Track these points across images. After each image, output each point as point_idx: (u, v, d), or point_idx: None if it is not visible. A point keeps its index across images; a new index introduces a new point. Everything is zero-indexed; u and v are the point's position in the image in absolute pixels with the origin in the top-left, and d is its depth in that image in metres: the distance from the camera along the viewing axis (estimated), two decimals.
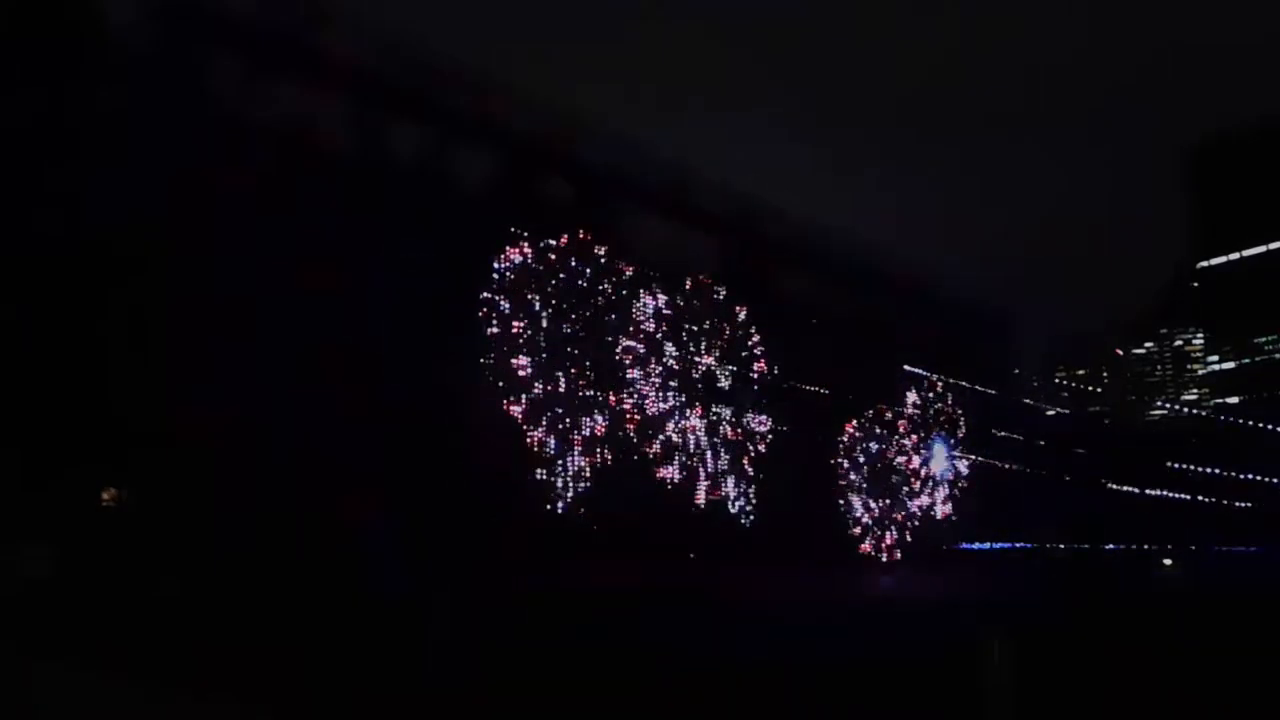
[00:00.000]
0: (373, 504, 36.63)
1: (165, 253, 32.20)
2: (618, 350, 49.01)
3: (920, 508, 69.70)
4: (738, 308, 56.18)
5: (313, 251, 36.88)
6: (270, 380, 35.05)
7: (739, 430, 55.06)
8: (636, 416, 49.13)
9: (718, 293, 55.44)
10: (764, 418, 56.56)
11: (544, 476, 44.12)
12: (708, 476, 52.90)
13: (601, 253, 48.43)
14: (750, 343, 56.70)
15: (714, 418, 53.86)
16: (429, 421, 39.43)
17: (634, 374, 49.71)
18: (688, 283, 53.88)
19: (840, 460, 62.75)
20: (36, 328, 30.50)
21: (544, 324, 45.01)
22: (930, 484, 71.25)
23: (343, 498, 35.98)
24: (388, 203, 39.27)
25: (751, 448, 55.69)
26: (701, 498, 52.28)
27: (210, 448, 31.78)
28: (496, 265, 43.44)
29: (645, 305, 50.98)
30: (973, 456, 75.39)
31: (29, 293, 30.48)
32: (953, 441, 74.23)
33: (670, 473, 50.85)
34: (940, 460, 72.13)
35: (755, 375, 56.68)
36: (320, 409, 36.15)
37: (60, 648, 19.34)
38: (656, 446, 50.18)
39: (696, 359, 53.32)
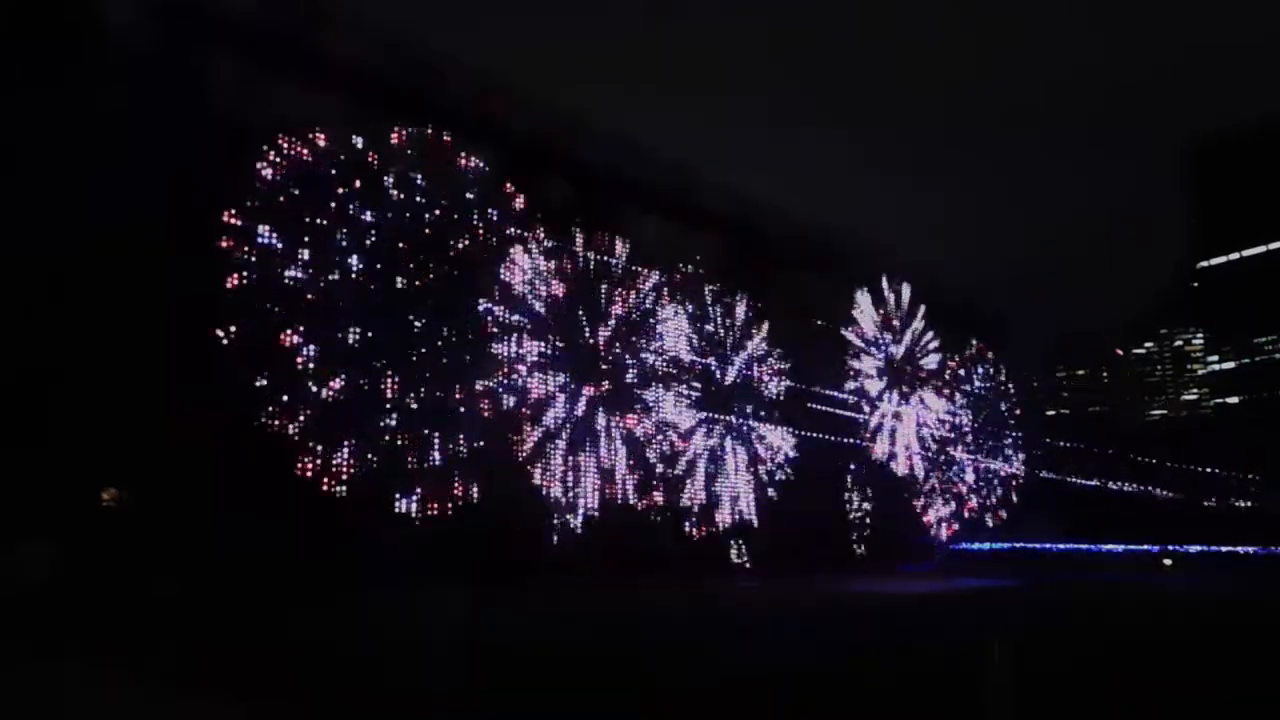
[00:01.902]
0: (373, 505, 36.66)
1: (165, 253, 32.19)
2: (626, 351, 48.85)
3: (922, 509, 69.76)
4: (740, 307, 56.34)
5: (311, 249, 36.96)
6: (271, 380, 35.09)
7: (744, 432, 55.09)
8: (642, 420, 49.10)
9: (724, 292, 55.61)
10: (772, 423, 56.69)
11: (544, 478, 44.04)
12: (712, 480, 52.88)
13: (604, 250, 48.42)
14: (750, 344, 56.74)
15: (721, 420, 53.86)
16: (430, 421, 39.44)
17: (636, 372, 49.62)
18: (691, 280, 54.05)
19: (842, 463, 62.76)
20: (36, 328, 30.48)
21: (542, 322, 44.84)
22: (931, 486, 71.27)
23: (343, 498, 36.01)
24: (386, 200, 39.29)
25: (755, 451, 55.72)
26: (703, 500, 52.26)
27: (210, 448, 31.78)
28: (499, 266, 43.27)
29: (652, 306, 50.94)
30: (974, 457, 75.45)
31: (29, 293, 30.46)
32: (954, 442, 74.26)
33: (672, 475, 50.80)
34: (942, 463, 72.17)
35: (758, 377, 56.71)
36: (321, 409, 36.19)
37: (60, 648, 19.35)
38: (660, 450, 50.13)
39: (703, 360, 53.32)
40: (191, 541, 30.44)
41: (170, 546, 30.20)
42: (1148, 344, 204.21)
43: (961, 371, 76.04)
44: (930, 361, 72.20)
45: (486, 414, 41.51)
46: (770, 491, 55.80)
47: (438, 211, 40.95)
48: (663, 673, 17.32)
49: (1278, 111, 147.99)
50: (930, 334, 72.04)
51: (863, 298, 66.42)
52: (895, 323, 69.39)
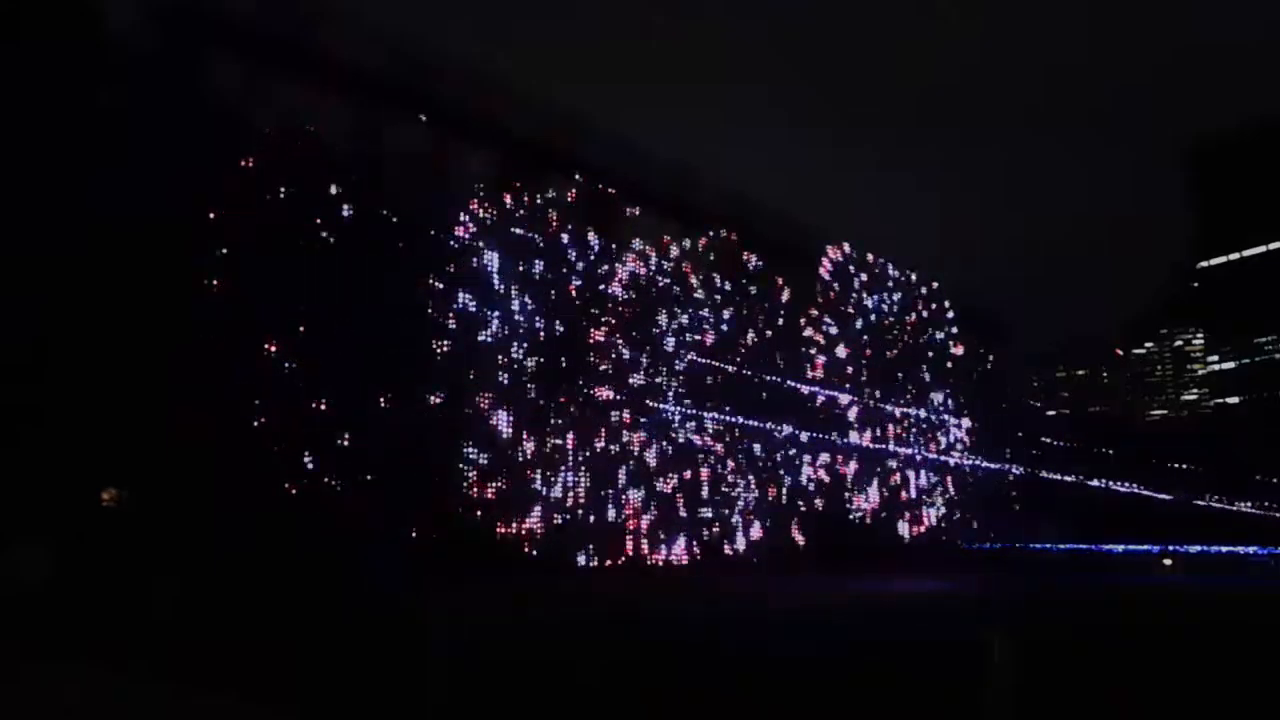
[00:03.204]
0: (372, 505, 36.67)
1: (165, 253, 32.21)
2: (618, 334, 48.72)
3: (922, 508, 69.73)
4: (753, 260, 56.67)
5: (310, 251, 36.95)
6: (271, 380, 35.11)
7: (743, 428, 55.11)
8: (634, 415, 49.05)
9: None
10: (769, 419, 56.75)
11: (541, 478, 43.98)
12: (712, 478, 52.88)
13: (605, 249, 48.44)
14: (749, 340, 56.79)
15: (722, 416, 53.90)
16: (426, 422, 39.41)
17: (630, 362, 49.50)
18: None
19: (845, 463, 62.77)
20: (36, 328, 30.49)
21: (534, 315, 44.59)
22: (932, 484, 71.25)
23: (343, 498, 36.03)
24: (385, 198, 39.31)
25: (755, 449, 55.74)
26: (704, 500, 52.25)
27: (210, 448, 31.78)
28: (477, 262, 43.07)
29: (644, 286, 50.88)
30: (974, 457, 75.44)
31: (28, 293, 30.48)
32: (955, 442, 74.22)
33: (675, 477, 50.77)
34: (942, 461, 72.14)
35: (759, 375, 56.77)
36: (321, 409, 36.20)
37: (60, 648, 19.34)
38: (659, 447, 50.10)
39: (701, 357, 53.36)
40: (191, 541, 30.46)
41: (170, 546, 30.22)
42: (1148, 344, 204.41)
43: (960, 371, 76.07)
44: (946, 353, 72.27)
45: (493, 425, 41.35)
46: (794, 526, 56.00)
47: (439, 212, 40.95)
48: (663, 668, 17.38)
49: (1278, 111, 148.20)
50: (947, 314, 71.99)
51: (831, 249, 64.85)
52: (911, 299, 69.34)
